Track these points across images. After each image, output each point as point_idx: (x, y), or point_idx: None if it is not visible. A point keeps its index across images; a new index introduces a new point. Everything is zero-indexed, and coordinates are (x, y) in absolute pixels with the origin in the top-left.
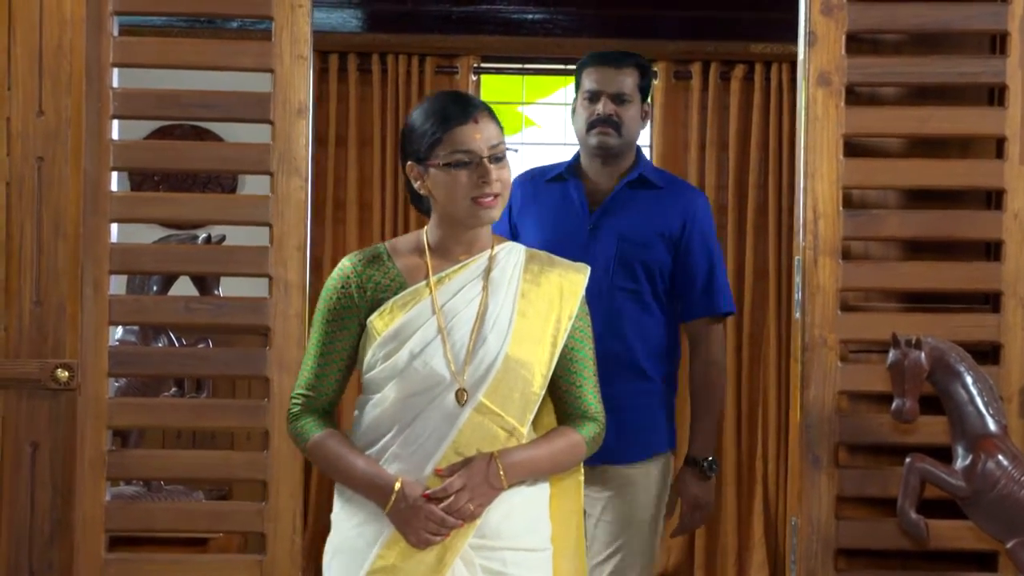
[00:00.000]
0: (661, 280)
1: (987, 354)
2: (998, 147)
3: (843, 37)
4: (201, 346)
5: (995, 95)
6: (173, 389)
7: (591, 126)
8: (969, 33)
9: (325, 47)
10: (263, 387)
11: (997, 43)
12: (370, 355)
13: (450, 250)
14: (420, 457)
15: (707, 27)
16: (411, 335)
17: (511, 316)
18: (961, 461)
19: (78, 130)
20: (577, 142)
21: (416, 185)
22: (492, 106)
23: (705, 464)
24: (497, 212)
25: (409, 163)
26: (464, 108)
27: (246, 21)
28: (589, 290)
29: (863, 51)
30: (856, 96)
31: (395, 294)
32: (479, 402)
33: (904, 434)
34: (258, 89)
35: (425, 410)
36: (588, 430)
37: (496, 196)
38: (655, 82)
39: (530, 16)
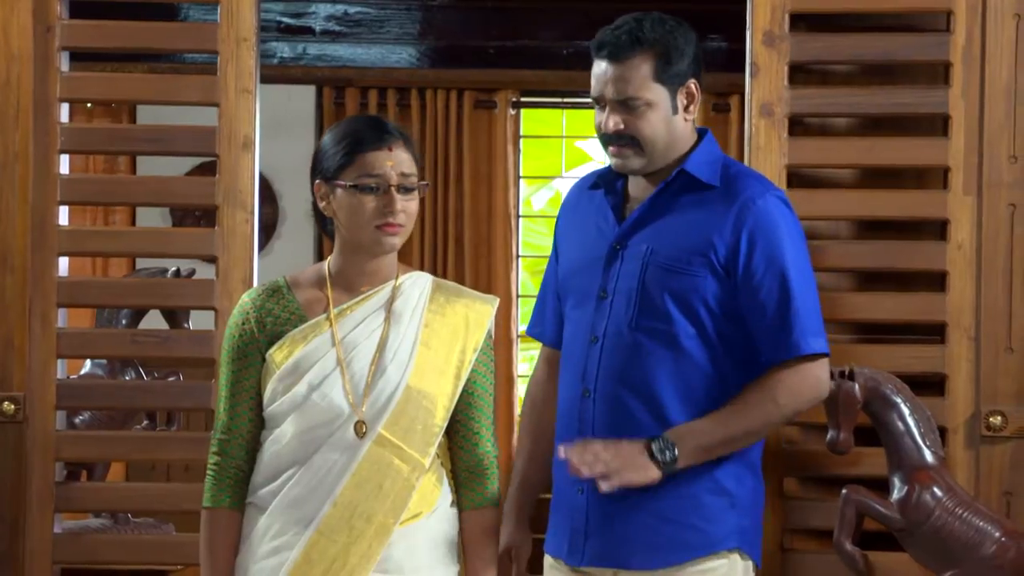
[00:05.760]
0: (709, 315)
1: (935, 385)
2: (944, 177)
3: (785, 68)
4: (171, 379)
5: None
6: (145, 422)
7: (604, 142)
8: (919, 63)
9: (365, 83)
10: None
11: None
12: (270, 389)
13: (352, 281)
14: (321, 492)
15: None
16: (309, 368)
17: (413, 346)
18: (897, 493)
19: (26, 165)
20: None
21: (321, 205)
22: (533, 141)
23: (664, 448)
24: (398, 241)
25: (317, 181)
26: (380, 133)
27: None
28: (608, 330)
29: (812, 82)
30: (806, 127)
31: (295, 327)
32: (378, 434)
33: (850, 465)
34: None
35: (324, 444)
36: (490, 494)
37: (400, 226)
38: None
39: (568, 50)
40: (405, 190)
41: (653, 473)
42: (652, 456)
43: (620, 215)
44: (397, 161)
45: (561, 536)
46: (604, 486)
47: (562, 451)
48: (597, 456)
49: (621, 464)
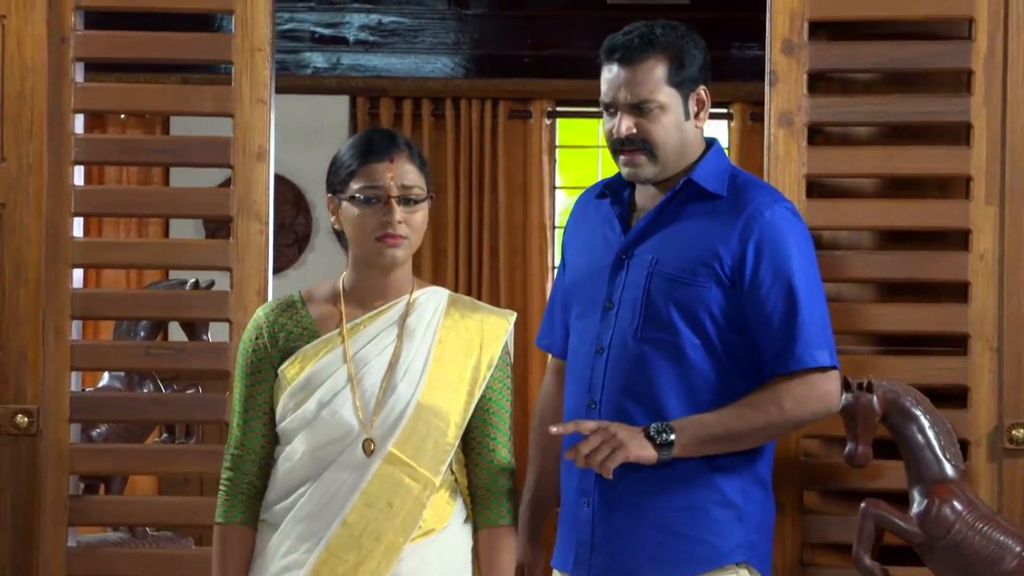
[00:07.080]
0: (715, 326)
1: (958, 397)
2: (966, 187)
3: (804, 76)
4: (190, 392)
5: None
6: (164, 435)
7: (614, 149)
8: (941, 72)
9: (399, 93)
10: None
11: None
12: (281, 405)
13: (365, 296)
14: (331, 511)
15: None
16: (320, 384)
17: (425, 363)
18: (916, 506)
19: (40, 176)
20: None
21: (332, 219)
22: (568, 151)
23: (661, 431)
24: (400, 253)
25: (328, 195)
26: (385, 145)
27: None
28: (613, 341)
29: (832, 90)
30: (826, 136)
31: (307, 343)
32: (389, 452)
33: (869, 479)
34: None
35: (335, 462)
36: (507, 513)
37: (401, 238)
38: (732, 124)
39: None
40: (407, 202)
41: (650, 452)
42: (649, 437)
43: (627, 224)
44: (399, 172)
45: (567, 549)
46: (607, 472)
47: (567, 453)
48: (591, 443)
49: (618, 443)
